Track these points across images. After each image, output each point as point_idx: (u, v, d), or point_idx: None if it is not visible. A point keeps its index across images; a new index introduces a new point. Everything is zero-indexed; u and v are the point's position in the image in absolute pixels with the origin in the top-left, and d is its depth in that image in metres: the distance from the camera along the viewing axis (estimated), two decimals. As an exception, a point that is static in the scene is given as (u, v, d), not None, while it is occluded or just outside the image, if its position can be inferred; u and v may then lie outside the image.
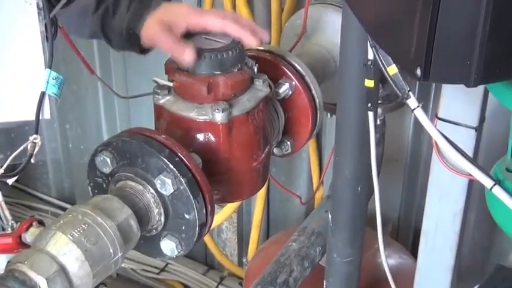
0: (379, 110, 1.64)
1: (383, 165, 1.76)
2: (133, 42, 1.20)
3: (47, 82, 1.00)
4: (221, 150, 1.11)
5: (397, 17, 0.83)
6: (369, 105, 1.15)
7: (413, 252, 1.64)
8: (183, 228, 1.03)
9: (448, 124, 1.17)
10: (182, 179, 1.00)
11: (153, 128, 1.15)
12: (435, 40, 0.76)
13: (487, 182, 0.96)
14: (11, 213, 1.01)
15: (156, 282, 2.86)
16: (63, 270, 0.87)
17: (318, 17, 1.57)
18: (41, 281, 0.85)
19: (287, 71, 1.26)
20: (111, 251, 0.92)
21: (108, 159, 1.03)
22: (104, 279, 0.94)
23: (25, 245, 0.96)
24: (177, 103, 1.12)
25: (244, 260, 2.63)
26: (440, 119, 1.18)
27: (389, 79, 0.96)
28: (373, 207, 1.25)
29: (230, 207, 2.41)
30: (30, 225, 0.97)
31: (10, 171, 0.99)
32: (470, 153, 1.15)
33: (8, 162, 0.98)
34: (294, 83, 1.25)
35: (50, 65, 1.00)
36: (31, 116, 1.01)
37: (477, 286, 1.19)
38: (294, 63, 1.27)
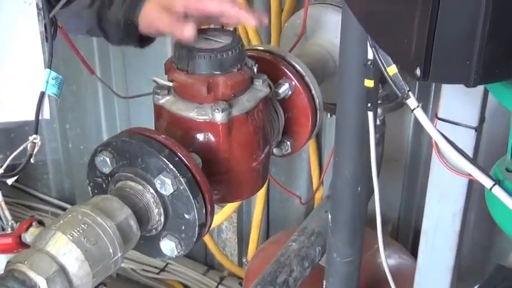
0: (379, 110, 1.64)
1: (383, 166, 1.76)
2: (131, 33, 1.20)
3: (47, 82, 1.00)
4: (221, 150, 1.11)
5: (397, 17, 0.83)
6: (369, 105, 1.15)
7: (413, 252, 1.64)
8: (183, 228, 1.03)
9: (448, 124, 1.17)
10: (182, 179, 1.00)
11: (153, 128, 1.15)
12: (435, 40, 0.76)
13: (487, 182, 0.96)
14: (11, 213, 1.01)
15: (156, 282, 2.86)
16: (62, 270, 0.87)
17: (317, 17, 1.57)
18: (40, 281, 0.85)
19: (287, 71, 1.26)
20: (111, 251, 0.92)
21: (107, 159, 1.03)
22: (104, 279, 0.94)
23: (25, 245, 0.96)
24: (177, 103, 1.12)
25: (244, 260, 2.63)
26: (440, 119, 1.18)
27: (389, 79, 0.96)
28: (373, 207, 1.25)
29: (230, 207, 2.41)
30: (30, 225, 0.97)
31: (10, 171, 0.99)
32: (470, 153, 1.15)
33: (7, 162, 0.98)
34: (293, 83, 1.25)
35: (49, 65, 1.00)
36: (31, 116, 1.01)
37: (477, 286, 1.19)
38: (293, 63, 1.27)
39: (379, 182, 1.23)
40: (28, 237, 0.96)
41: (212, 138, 1.11)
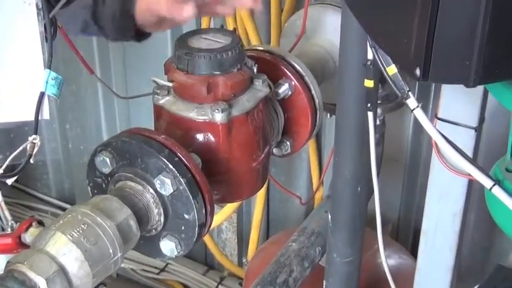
0: (379, 110, 1.64)
1: (383, 166, 1.76)
2: (127, 25, 1.19)
3: (46, 82, 1.00)
4: (221, 151, 1.11)
5: (397, 17, 0.82)
6: (369, 105, 1.15)
7: (413, 252, 1.64)
8: (183, 228, 1.03)
9: (447, 124, 1.17)
10: (182, 179, 1.00)
11: (153, 129, 1.15)
12: (434, 40, 0.76)
13: (487, 182, 0.96)
14: (10, 213, 1.01)
15: (156, 283, 2.86)
16: (62, 270, 0.87)
17: (317, 17, 1.57)
18: (40, 281, 0.85)
19: (287, 71, 1.26)
20: (111, 251, 0.92)
21: (107, 160, 1.03)
22: (104, 279, 0.94)
23: (25, 245, 0.96)
24: (177, 103, 1.12)
25: (244, 260, 2.63)
26: (439, 119, 1.18)
27: (388, 79, 0.96)
28: (373, 207, 1.25)
29: (230, 208, 2.41)
30: (30, 226, 0.97)
31: (10, 171, 0.99)
32: (469, 154, 1.15)
33: (7, 162, 0.98)
34: (293, 83, 1.25)
35: (49, 65, 1.00)
36: (30, 117, 1.01)
37: (477, 286, 1.19)
38: (293, 63, 1.27)
39: (379, 182, 1.23)
40: (28, 237, 0.96)
41: (212, 139, 1.11)
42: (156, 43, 2.39)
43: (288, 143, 1.30)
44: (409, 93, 0.96)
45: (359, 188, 1.31)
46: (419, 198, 2.17)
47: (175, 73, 1.12)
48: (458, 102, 1.17)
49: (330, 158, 1.92)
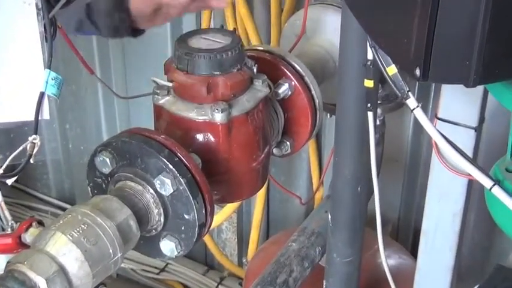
0: (379, 110, 1.64)
1: (383, 166, 1.76)
2: (121, 19, 1.19)
3: (46, 82, 1.00)
4: (221, 151, 1.11)
5: (397, 17, 0.83)
6: (369, 105, 1.15)
7: (413, 252, 1.64)
8: (183, 228, 1.03)
9: (447, 124, 1.17)
10: (182, 179, 1.00)
11: (153, 129, 1.15)
12: (434, 40, 0.76)
13: (487, 182, 0.96)
14: (10, 213, 1.01)
15: (156, 283, 2.86)
16: (62, 270, 0.87)
17: (317, 17, 1.57)
18: (40, 281, 0.85)
19: (286, 71, 1.26)
20: (111, 251, 0.92)
21: (107, 160, 1.03)
22: (104, 279, 0.94)
23: (25, 245, 0.96)
24: (177, 103, 1.12)
25: (244, 260, 2.63)
26: (439, 119, 1.18)
27: (388, 79, 0.96)
28: (373, 207, 1.25)
29: (230, 208, 2.41)
30: (30, 226, 0.97)
31: (9, 171, 0.99)
32: (469, 154, 1.15)
33: (7, 162, 0.98)
34: (293, 83, 1.25)
35: (49, 65, 1.00)
36: (30, 117, 1.01)
37: (477, 286, 1.19)
38: (293, 63, 1.27)
39: (379, 182, 1.23)
40: (28, 237, 0.96)
41: (212, 139, 1.11)
42: (156, 43, 2.40)
43: (288, 143, 1.30)
44: (409, 93, 0.96)
45: (359, 188, 1.31)
46: (419, 198, 2.17)
47: (175, 73, 1.12)
48: (458, 102, 1.17)
49: (330, 158, 1.92)
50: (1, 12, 0.98)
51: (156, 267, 2.82)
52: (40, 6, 0.99)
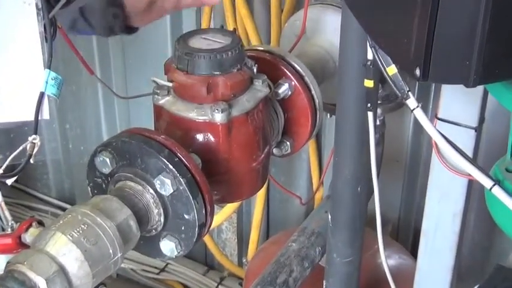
0: (379, 111, 1.64)
1: (383, 166, 1.76)
2: (116, 15, 1.19)
3: (46, 82, 1.00)
4: (221, 151, 1.11)
5: (396, 17, 0.83)
6: (369, 105, 1.15)
7: (413, 252, 1.64)
8: (183, 228, 1.03)
9: (447, 124, 1.17)
10: (182, 179, 1.00)
11: (153, 129, 1.15)
12: (434, 40, 0.76)
13: (487, 182, 0.96)
14: (10, 213, 1.01)
15: (156, 283, 2.86)
16: (62, 270, 0.87)
17: (317, 17, 1.57)
18: (40, 281, 0.85)
19: (286, 71, 1.26)
20: (111, 251, 0.92)
21: (107, 160, 1.03)
22: (104, 279, 0.94)
23: (25, 246, 0.96)
24: (177, 103, 1.12)
25: (244, 260, 2.63)
26: (439, 119, 1.18)
27: (388, 79, 0.96)
28: (373, 207, 1.25)
29: (230, 208, 2.41)
30: (30, 226, 0.97)
31: (9, 171, 0.99)
32: (469, 154, 1.15)
33: (7, 162, 0.98)
34: (293, 83, 1.25)
35: (49, 65, 1.00)
36: (30, 117, 1.00)
37: (477, 286, 1.19)
38: (293, 63, 1.27)
39: (379, 182, 1.23)
40: (28, 237, 0.96)
41: (212, 139, 1.11)
42: (156, 43, 2.40)
43: (288, 143, 1.30)
44: (409, 93, 0.96)
45: (359, 188, 1.31)
46: (419, 198, 2.17)
47: (175, 73, 1.12)
48: (458, 102, 1.17)
49: (330, 158, 1.92)
50: (1, 12, 0.98)
51: (156, 267, 2.82)
52: (40, 6, 0.99)
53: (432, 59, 0.77)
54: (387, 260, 1.32)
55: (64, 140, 2.97)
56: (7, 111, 1.03)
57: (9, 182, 0.99)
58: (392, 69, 0.96)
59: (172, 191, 1.00)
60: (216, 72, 1.09)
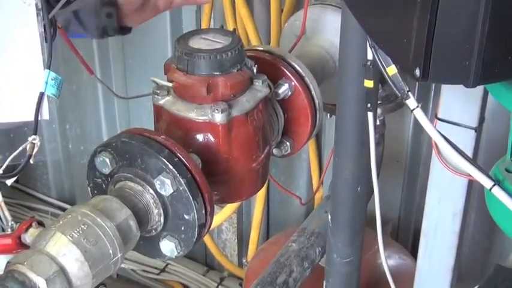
0: (379, 111, 1.64)
1: (383, 166, 1.77)
2: (110, 14, 1.18)
3: (46, 83, 1.00)
4: (220, 151, 1.11)
5: (396, 18, 0.83)
6: (369, 105, 1.15)
7: (413, 252, 1.64)
8: (183, 228, 1.03)
9: (447, 124, 1.17)
10: (181, 180, 1.00)
11: (153, 129, 1.15)
12: (434, 40, 0.76)
13: (487, 183, 0.96)
14: (10, 213, 1.01)
15: (156, 283, 2.86)
16: (62, 270, 0.87)
17: (317, 17, 1.57)
18: (40, 281, 0.85)
19: (286, 72, 1.26)
20: (111, 251, 0.92)
21: (107, 160, 1.03)
22: (104, 279, 0.94)
23: (25, 246, 0.96)
24: (177, 104, 1.12)
25: (244, 261, 2.62)
26: (439, 119, 1.18)
27: (388, 79, 0.96)
28: (373, 207, 1.25)
29: (230, 208, 2.41)
30: (30, 226, 0.97)
31: (9, 171, 0.99)
32: (469, 154, 1.15)
33: (7, 162, 0.98)
34: (293, 83, 1.25)
35: (48, 65, 1.00)
36: (30, 117, 1.00)
37: (477, 286, 1.19)
38: (293, 63, 1.27)
39: (379, 183, 1.23)
40: (28, 237, 0.96)
41: (212, 139, 1.11)
42: (156, 43, 2.40)
43: (287, 143, 1.30)
44: (409, 93, 0.96)
45: (359, 188, 1.31)
46: (419, 198, 2.17)
47: (175, 73, 1.12)
48: (458, 102, 1.17)
49: (330, 158, 1.92)
50: (1, 12, 0.98)
51: (156, 268, 2.82)
52: (40, 6, 0.99)
53: (432, 59, 0.77)
54: (387, 260, 1.32)
55: (64, 140, 2.97)
56: (7, 111, 1.03)
57: (9, 182, 0.99)
58: (392, 70, 0.96)
59: (172, 191, 1.00)
60: (216, 73, 1.09)
